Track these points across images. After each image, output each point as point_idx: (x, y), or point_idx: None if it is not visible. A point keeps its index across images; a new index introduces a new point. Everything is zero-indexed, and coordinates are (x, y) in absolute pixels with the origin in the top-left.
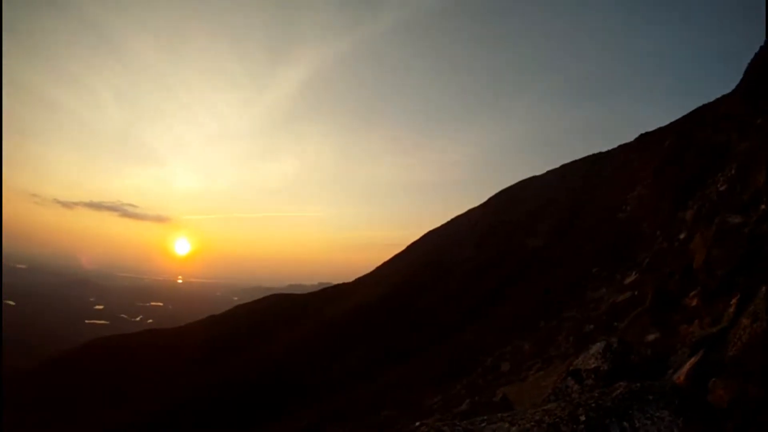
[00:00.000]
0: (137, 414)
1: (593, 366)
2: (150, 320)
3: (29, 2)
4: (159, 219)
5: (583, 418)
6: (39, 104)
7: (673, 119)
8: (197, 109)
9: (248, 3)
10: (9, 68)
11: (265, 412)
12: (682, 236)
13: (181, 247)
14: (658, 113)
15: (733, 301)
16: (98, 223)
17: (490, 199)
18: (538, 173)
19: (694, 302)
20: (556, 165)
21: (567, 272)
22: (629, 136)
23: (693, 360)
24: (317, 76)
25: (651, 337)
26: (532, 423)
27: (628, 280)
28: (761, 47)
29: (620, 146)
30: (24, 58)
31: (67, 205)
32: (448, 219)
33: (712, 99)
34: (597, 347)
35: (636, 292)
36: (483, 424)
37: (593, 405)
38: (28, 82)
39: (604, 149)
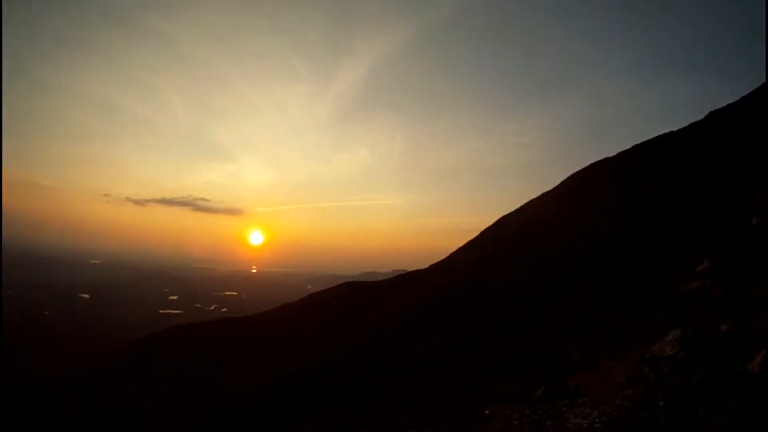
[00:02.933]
0: (211, 399)
1: (669, 354)
2: (224, 309)
3: (95, 22)
4: (232, 212)
5: (661, 403)
6: (108, 111)
7: (744, 93)
8: (263, 105)
9: None
10: (81, 81)
11: (335, 398)
12: (753, 221)
13: (255, 237)
14: (728, 90)
15: None
16: (171, 218)
17: (561, 183)
18: (609, 155)
19: (766, 291)
20: (627, 146)
21: (637, 260)
22: (700, 115)
23: (765, 351)
24: (382, 64)
25: (723, 326)
26: (612, 408)
27: (699, 268)
28: None
29: (690, 125)
30: (93, 71)
31: (139, 202)
32: (522, 203)
33: None
34: (673, 335)
35: (707, 281)
36: (564, 408)
37: (671, 391)
38: (97, 92)
39: (674, 128)
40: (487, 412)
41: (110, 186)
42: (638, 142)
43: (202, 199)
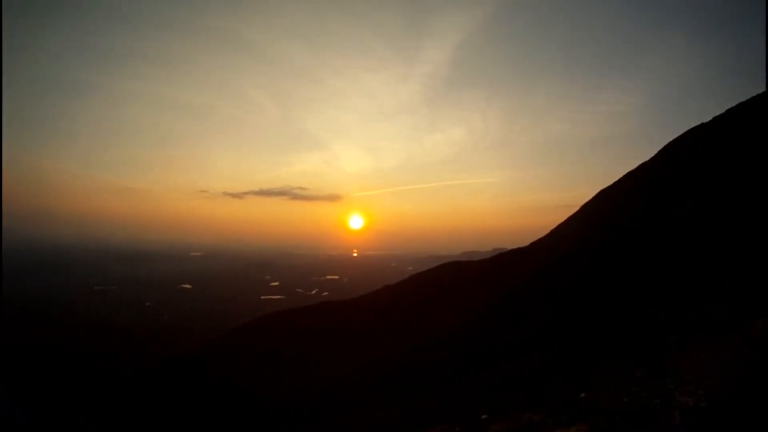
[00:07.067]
0: (313, 379)
1: None
2: (325, 293)
3: (171, 34)
4: (330, 198)
5: (764, 382)
6: (196, 114)
7: None
8: (350, 93)
9: None
10: (169, 90)
11: (437, 376)
12: None
13: (355, 222)
14: None
15: None
16: (269, 209)
17: (657, 154)
18: (705, 120)
19: None
20: (721, 111)
21: (733, 234)
22: None
23: None
24: (468, 40)
25: None
26: (717, 387)
27: None
28: None
29: None
30: (174, 78)
31: (237, 195)
32: (620, 175)
33: None
34: None
35: None
36: (671, 386)
37: None
38: (182, 98)
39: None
40: (582, 395)
41: (206, 182)
42: (732, 104)
43: (299, 188)
